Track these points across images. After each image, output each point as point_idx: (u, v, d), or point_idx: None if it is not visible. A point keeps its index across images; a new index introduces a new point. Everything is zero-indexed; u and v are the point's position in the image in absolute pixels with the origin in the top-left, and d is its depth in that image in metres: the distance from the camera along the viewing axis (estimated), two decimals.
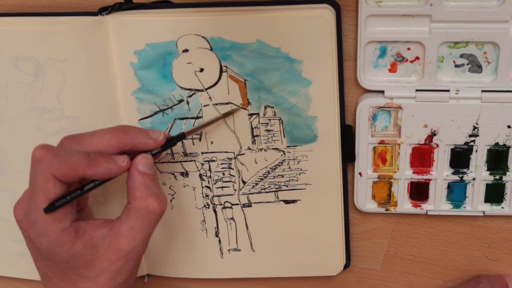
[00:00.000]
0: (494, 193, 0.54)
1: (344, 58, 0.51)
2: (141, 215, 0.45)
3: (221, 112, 0.52)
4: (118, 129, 0.46)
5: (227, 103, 0.52)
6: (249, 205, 0.56)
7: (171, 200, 0.57)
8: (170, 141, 0.48)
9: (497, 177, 0.53)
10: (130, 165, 0.46)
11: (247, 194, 0.56)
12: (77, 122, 0.54)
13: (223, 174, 0.55)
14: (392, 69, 0.51)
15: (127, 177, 0.46)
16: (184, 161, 0.55)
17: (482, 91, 0.50)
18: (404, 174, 0.54)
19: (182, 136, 0.49)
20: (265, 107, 0.52)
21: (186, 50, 0.50)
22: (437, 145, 0.52)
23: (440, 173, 0.53)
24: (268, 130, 0.53)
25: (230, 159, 0.55)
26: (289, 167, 0.54)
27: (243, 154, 0.54)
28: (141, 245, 0.46)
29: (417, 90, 0.51)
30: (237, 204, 0.57)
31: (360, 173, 0.54)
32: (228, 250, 0.58)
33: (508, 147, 0.52)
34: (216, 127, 0.53)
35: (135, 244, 0.45)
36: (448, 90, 0.50)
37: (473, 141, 0.52)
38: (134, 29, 0.50)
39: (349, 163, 0.54)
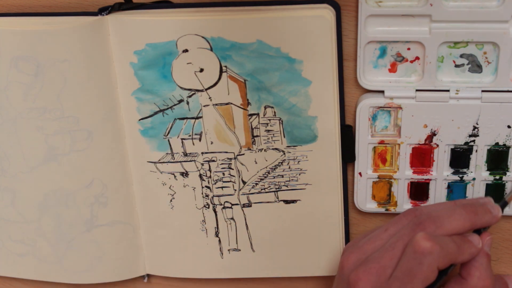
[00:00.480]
0: (494, 193, 0.54)
1: (344, 58, 0.51)
2: None
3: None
4: (470, 210, 0.48)
5: (227, 104, 0.52)
6: (249, 205, 0.56)
7: (171, 200, 0.57)
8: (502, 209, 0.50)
9: (497, 177, 0.53)
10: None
11: (247, 194, 0.56)
12: (77, 122, 0.54)
13: (223, 174, 0.55)
14: (392, 69, 0.51)
15: None
16: (184, 161, 0.55)
17: (482, 91, 0.50)
18: (404, 174, 0.54)
19: (505, 204, 0.51)
20: (265, 107, 0.52)
21: (186, 50, 0.50)
22: (437, 145, 0.52)
23: (440, 173, 0.53)
24: (268, 130, 0.53)
25: (230, 159, 0.55)
26: (289, 167, 0.54)
27: (243, 154, 0.54)
28: None
29: (417, 90, 0.51)
30: (237, 204, 0.57)
31: (360, 173, 0.54)
32: (228, 250, 0.58)
33: (508, 147, 0.52)
34: (216, 127, 0.53)
35: None
36: (448, 90, 0.50)
37: (473, 141, 0.52)
38: (134, 29, 0.50)
39: (349, 163, 0.54)
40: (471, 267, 0.48)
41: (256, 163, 0.54)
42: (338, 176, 0.54)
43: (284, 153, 0.54)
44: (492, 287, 0.48)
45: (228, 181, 0.56)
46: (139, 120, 0.54)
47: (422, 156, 0.53)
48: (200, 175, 0.56)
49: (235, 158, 0.55)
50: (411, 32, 0.49)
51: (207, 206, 0.57)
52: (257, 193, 0.56)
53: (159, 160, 0.55)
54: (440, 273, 0.46)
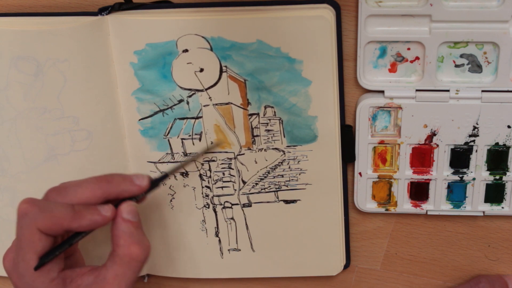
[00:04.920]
0: (494, 193, 0.54)
1: (344, 58, 0.51)
2: (124, 262, 0.46)
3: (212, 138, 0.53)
4: (102, 179, 0.47)
5: (227, 103, 0.52)
6: (249, 205, 0.56)
7: (171, 200, 0.57)
8: (154, 184, 0.49)
9: (497, 177, 0.53)
10: (115, 214, 0.47)
11: (247, 194, 0.56)
12: (77, 122, 0.54)
13: (223, 174, 0.55)
14: (392, 69, 0.51)
15: (111, 225, 0.47)
16: (184, 161, 0.55)
17: (482, 91, 0.50)
18: (404, 174, 0.54)
19: (165, 177, 0.50)
20: (265, 107, 0.52)
21: (186, 50, 0.50)
22: (437, 145, 0.52)
23: (440, 173, 0.53)
24: (268, 130, 0.53)
25: (230, 159, 0.55)
26: (289, 167, 0.54)
27: (243, 154, 0.54)
28: None
29: (417, 90, 0.51)
30: (237, 204, 0.57)
31: (360, 173, 0.54)
32: (228, 250, 0.58)
33: (508, 147, 0.52)
34: (216, 127, 0.53)
35: None
36: (448, 90, 0.50)
37: (473, 141, 0.52)
38: (134, 29, 0.50)
39: (349, 163, 0.54)
40: (115, 236, 0.46)
41: (256, 163, 0.54)
42: (338, 176, 0.54)
43: (284, 153, 0.54)
44: (143, 252, 0.46)
45: (228, 181, 0.56)
46: (139, 120, 0.54)
47: (422, 156, 0.53)
48: (200, 175, 0.56)
49: (235, 158, 0.55)
50: (411, 32, 0.49)
51: (207, 206, 0.57)
52: (257, 193, 0.56)
53: (159, 160, 0.55)
54: (63, 242, 0.46)
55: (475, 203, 0.54)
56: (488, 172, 0.53)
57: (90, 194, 0.46)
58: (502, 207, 0.54)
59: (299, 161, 0.54)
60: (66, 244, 0.46)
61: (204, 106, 0.53)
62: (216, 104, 0.52)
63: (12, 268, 0.46)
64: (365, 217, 0.57)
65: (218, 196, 0.56)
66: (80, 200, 0.46)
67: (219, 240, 0.58)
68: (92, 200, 0.46)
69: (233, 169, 0.55)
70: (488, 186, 0.54)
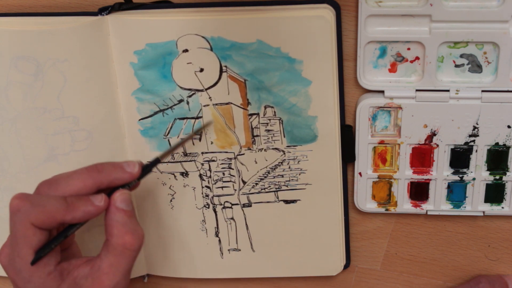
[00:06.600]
0: (494, 193, 0.54)
1: (344, 58, 0.51)
2: (118, 252, 0.46)
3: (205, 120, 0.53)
4: (92, 168, 0.47)
5: (227, 103, 0.52)
6: (249, 205, 0.56)
7: (171, 200, 0.57)
8: (146, 169, 0.49)
9: (497, 177, 0.53)
10: (108, 203, 0.46)
11: (247, 194, 0.56)
12: (77, 122, 0.54)
13: (223, 174, 0.55)
14: (392, 69, 0.51)
15: (105, 214, 0.47)
16: (184, 161, 0.55)
17: (482, 91, 0.50)
18: (404, 174, 0.54)
19: (156, 162, 0.50)
20: (265, 107, 0.52)
21: (186, 50, 0.50)
22: (437, 145, 0.52)
23: (440, 173, 0.53)
24: (268, 130, 0.53)
25: (230, 159, 0.55)
26: (289, 167, 0.54)
27: (243, 154, 0.54)
28: (122, 280, 0.46)
29: (417, 90, 0.51)
30: (237, 204, 0.57)
31: (360, 173, 0.54)
32: (228, 250, 0.58)
33: (508, 147, 0.52)
34: (216, 127, 0.53)
35: (117, 280, 0.46)
36: (448, 90, 0.50)
37: (473, 141, 0.52)
38: (134, 29, 0.50)
39: (349, 163, 0.54)
40: (109, 226, 0.46)
41: (256, 163, 0.54)
42: (338, 176, 0.54)
43: (284, 153, 0.54)
44: (136, 241, 0.46)
45: (228, 181, 0.56)
46: (139, 120, 0.54)
47: (422, 156, 0.53)
48: (200, 175, 0.56)
49: (235, 158, 0.55)
50: (411, 32, 0.49)
51: (207, 206, 0.57)
52: (257, 193, 0.56)
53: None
54: (58, 235, 0.46)
55: (475, 203, 0.54)
56: (488, 172, 0.53)
57: (82, 185, 0.46)
58: (502, 207, 0.54)
59: (299, 161, 0.54)
60: (61, 237, 0.46)
61: (204, 106, 0.53)
62: (216, 104, 0.52)
63: (9, 263, 0.46)
64: (365, 217, 0.57)
65: (218, 196, 0.56)
66: (72, 192, 0.46)
67: (219, 240, 0.58)
68: (84, 190, 0.46)
69: (233, 169, 0.55)
70: (488, 186, 0.54)
